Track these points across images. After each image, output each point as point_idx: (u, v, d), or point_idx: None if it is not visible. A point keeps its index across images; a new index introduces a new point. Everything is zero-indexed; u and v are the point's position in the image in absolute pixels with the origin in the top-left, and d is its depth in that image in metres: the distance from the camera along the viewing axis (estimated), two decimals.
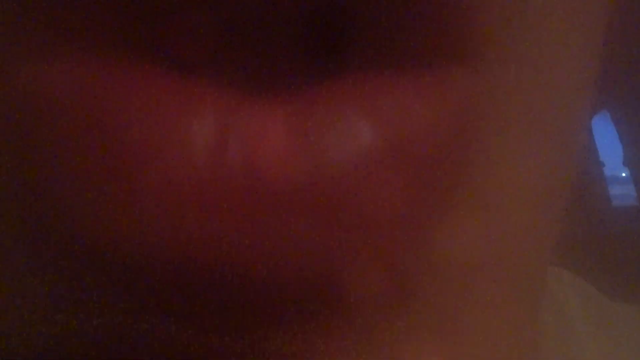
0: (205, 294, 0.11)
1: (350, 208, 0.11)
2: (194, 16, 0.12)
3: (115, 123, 0.12)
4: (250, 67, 0.12)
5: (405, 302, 0.12)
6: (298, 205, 0.11)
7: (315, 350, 0.12)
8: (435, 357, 0.13)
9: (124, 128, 0.12)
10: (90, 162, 0.11)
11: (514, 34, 0.12)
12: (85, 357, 0.12)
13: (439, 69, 0.12)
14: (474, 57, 0.12)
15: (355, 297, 0.11)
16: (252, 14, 0.12)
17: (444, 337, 0.13)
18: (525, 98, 0.13)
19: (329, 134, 0.12)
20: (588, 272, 0.30)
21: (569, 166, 0.15)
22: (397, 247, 0.12)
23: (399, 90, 0.12)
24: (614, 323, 0.27)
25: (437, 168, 0.12)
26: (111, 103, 0.12)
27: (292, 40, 0.13)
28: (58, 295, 0.12)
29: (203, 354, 0.11)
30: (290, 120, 0.12)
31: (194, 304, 0.11)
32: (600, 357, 0.25)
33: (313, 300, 0.11)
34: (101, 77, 0.12)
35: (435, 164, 0.12)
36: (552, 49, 0.13)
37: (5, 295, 0.12)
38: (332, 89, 0.12)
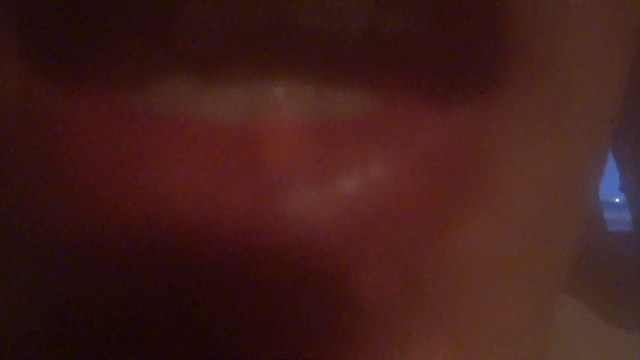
0: (214, 293, 0.12)
1: (364, 206, 0.12)
2: (204, 12, 0.13)
3: (133, 113, 0.13)
4: (264, 62, 0.13)
5: (418, 302, 0.13)
6: (311, 200, 0.12)
7: (327, 347, 0.12)
8: (445, 357, 0.13)
9: (141, 116, 0.12)
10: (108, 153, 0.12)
11: (539, 64, 0.13)
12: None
13: (460, 88, 0.13)
14: (495, 83, 0.12)
15: (367, 296, 0.12)
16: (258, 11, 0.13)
17: (455, 338, 0.13)
18: (547, 120, 0.13)
19: (344, 132, 0.12)
20: (585, 296, 0.30)
21: (587, 186, 0.15)
22: (411, 246, 0.12)
23: (419, 101, 0.13)
24: (612, 348, 0.27)
25: (452, 171, 0.13)
26: (127, 97, 0.13)
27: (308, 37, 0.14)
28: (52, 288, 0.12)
29: (211, 352, 0.12)
30: (307, 116, 0.13)
31: (202, 303, 0.12)
32: None
33: (325, 297, 0.12)
34: (115, 74, 0.13)
35: (451, 168, 0.13)
36: (577, 80, 0.13)
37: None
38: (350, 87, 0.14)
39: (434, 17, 0.13)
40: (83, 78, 0.13)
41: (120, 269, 0.12)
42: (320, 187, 0.12)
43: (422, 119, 0.13)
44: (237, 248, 0.11)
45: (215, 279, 0.12)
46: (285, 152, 0.12)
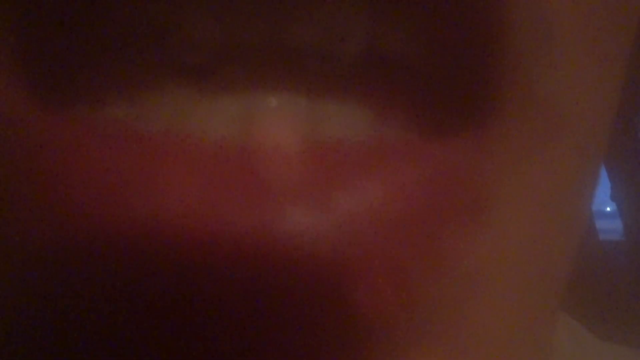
0: (210, 303, 0.11)
1: (360, 221, 0.11)
2: (200, 26, 0.13)
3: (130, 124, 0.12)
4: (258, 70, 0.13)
5: (415, 317, 0.12)
6: (307, 216, 0.11)
7: (320, 356, 0.12)
8: None
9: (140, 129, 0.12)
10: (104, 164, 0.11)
11: (530, 89, 0.13)
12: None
13: (454, 105, 0.13)
14: (488, 104, 0.13)
15: (365, 311, 0.12)
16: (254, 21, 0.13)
17: (452, 351, 0.13)
18: (541, 135, 0.13)
19: (339, 148, 0.12)
20: (574, 307, 0.29)
21: (581, 201, 0.15)
22: (408, 262, 0.12)
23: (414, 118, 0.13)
24: None
25: (448, 189, 0.12)
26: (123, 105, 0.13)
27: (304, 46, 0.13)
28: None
29: None
30: (301, 130, 0.13)
31: (198, 310, 0.11)
32: None
33: (319, 306, 0.11)
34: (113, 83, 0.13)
35: (446, 186, 0.12)
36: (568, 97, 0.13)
37: None
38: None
39: (428, 42, 0.13)
40: (76, 94, 0.13)
41: (114, 289, 0.11)
42: (315, 202, 0.11)
43: (417, 137, 0.13)
44: (232, 263, 0.11)
45: (210, 294, 0.11)
46: (279, 167, 0.11)
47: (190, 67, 0.13)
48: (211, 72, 0.13)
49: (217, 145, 0.12)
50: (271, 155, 0.11)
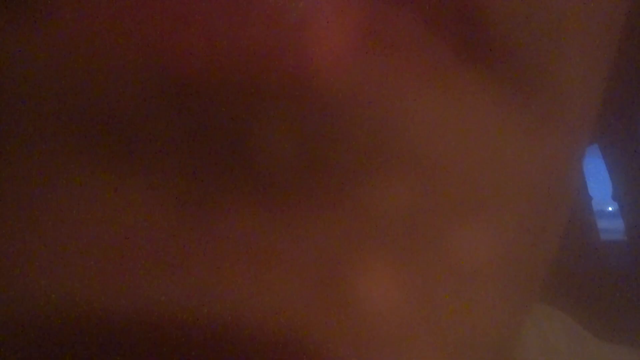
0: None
1: (352, 211, 0.11)
2: None
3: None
4: None
5: (413, 306, 0.12)
6: (300, 206, 0.11)
7: (320, 347, 0.12)
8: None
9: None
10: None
11: (531, 75, 0.12)
12: None
13: (445, 66, 0.12)
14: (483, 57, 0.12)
15: (357, 300, 0.12)
16: None
17: (449, 344, 0.13)
18: (532, 100, 0.13)
19: (326, 134, 0.12)
20: (575, 308, 0.29)
21: (572, 174, 0.15)
22: (407, 251, 0.12)
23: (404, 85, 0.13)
24: None
25: (441, 172, 0.12)
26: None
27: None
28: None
29: None
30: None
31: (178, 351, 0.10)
32: None
33: (315, 297, 0.11)
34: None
35: (440, 167, 0.12)
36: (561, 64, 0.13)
37: None
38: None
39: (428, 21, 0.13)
40: None
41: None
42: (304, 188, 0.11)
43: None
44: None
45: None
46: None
47: None
48: None
49: None
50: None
